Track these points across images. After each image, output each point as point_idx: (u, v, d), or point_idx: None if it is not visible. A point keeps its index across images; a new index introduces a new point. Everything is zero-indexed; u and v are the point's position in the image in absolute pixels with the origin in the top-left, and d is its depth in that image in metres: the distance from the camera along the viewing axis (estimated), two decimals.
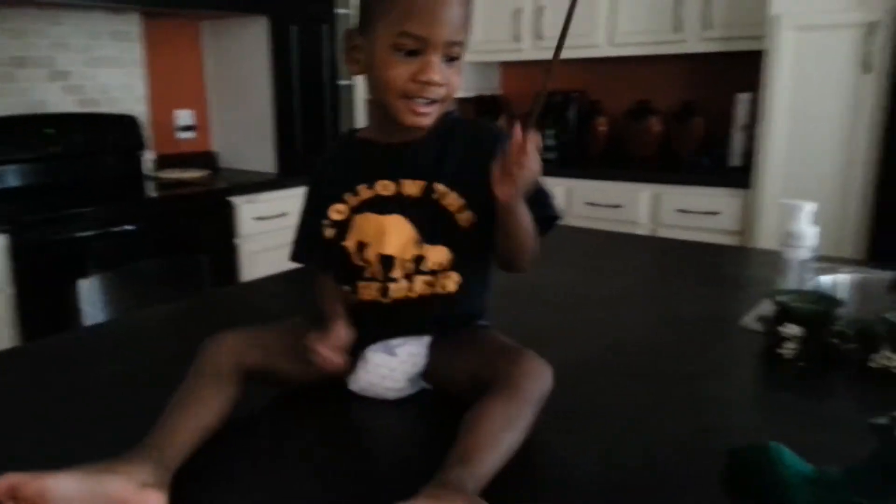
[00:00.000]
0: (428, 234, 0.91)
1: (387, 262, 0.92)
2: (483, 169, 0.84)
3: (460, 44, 0.85)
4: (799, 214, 1.22)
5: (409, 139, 0.91)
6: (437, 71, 0.83)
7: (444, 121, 0.91)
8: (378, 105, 0.90)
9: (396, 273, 0.92)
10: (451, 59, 0.85)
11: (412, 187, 0.91)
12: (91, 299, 1.90)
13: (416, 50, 0.83)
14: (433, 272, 0.92)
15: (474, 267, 0.94)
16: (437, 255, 0.91)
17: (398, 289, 0.92)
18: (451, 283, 0.92)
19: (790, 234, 1.22)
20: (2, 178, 2.57)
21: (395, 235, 0.91)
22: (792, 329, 1.03)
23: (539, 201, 0.91)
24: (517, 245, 0.88)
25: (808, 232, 1.20)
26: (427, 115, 0.87)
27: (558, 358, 0.84)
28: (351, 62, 0.90)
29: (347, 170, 0.95)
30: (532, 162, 0.79)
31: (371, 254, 0.92)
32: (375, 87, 0.88)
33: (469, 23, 0.86)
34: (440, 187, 0.90)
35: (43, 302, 2.17)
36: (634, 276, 1.55)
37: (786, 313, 1.05)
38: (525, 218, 0.86)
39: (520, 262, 0.91)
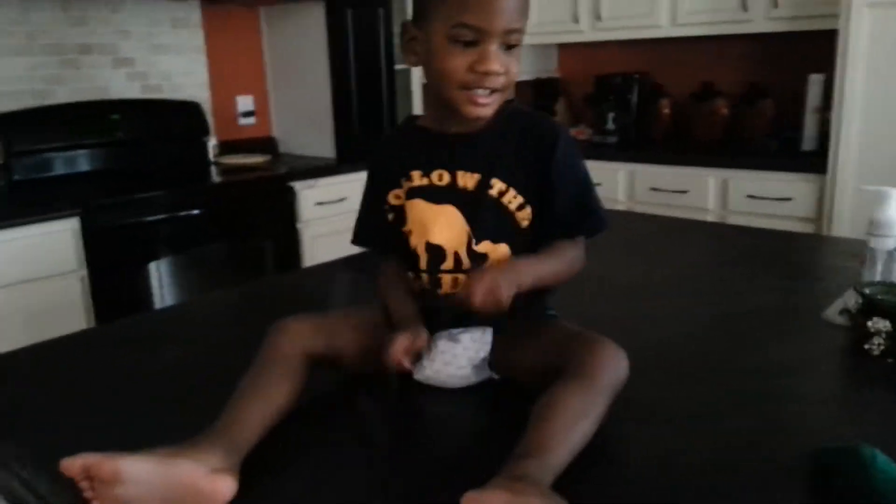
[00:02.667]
0: (484, 229, 0.89)
1: (436, 252, 0.91)
2: (539, 168, 0.87)
3: (519, 31, 0.84)
4: (886, 201, 1.15)
5: (467, 130, 0.90)
6: (496, 60, 0.82)
7: (503, 112, 0.90)
8: (437, 95, 0.88)
9: (447, 265, 0.91)
10: (509, 46, 0.84)
11: (468, 179, 0.90)
12: (161, 281, 1.94)
13: (474, 40, 0.82)
14: None
15: None
16: (500, 253, 0.90)
17: (451, 282, 0.91)
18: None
19: (875, 222, 1.15)
20: (70, 162, 2.65)
21: (445, 226, 0.90)
22: (879, 323, 0.97)
23: (584, 209, 0.91)
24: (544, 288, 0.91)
25: (894, 219, 1.13)
26: (487, 106, 0.86)
27: (626, 348, 0.81)
28: (409, 54, 0.89)
29: (404, 156, 0.94)
30: (483, 287, 0.80)
31: (418, 242, 0.92)
32: (434, 78, 0.87)
33: (527, 8, 0.85)
34: (497, 183, 0.89)
35: (115, 283, 2.23)
36: (702, 265, 1.50)
37: (872, 306, 1.00)
38: (545, 278, 0.88)
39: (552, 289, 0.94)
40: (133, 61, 2.87)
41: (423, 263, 0.92)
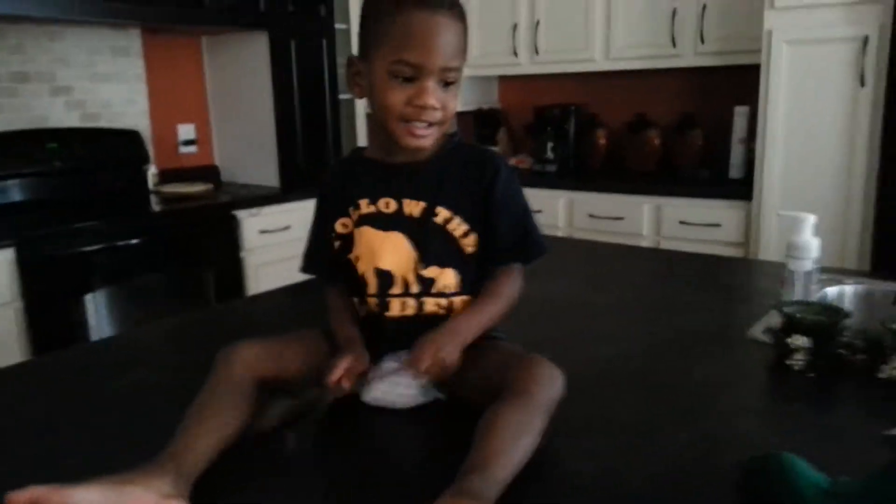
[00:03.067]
0: (432, 255, 0.94)
1: (385, 277, 0.95)
2: (482, 197, 0.92)
3: (456, 69, 0.88)
4: (801, 226, 1.23)
5: (412, 160, 0.94)
6: (433, 95, 0.87)
7: (447, 145, 0.95)
8: (381, 126, 0.92)
9: (396, 290, 0.94)
10: (447, 83, 0.88)
11: (413, 207, 0.94)
12: (98, 313, 1.90)
13: (412, 76, 0.86)
14: (443, 294, 0.94)
15: (479, 287, 0.96)
16: (446, 278, 0.94)
17: (401, 306, 0.94)
18: (462, 304, 0.95)
19: (793, 245, 1.23)
20: (6, 192, 2.57)
21: (392, 252, 0.94)
22: (800, 340, 1.04)
23: (525, 236, 0.96)
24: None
25: (811, 243, 1.22)
26: (425, 138, 0.90)
27: (564, 367, 0.84)
28: (353, 86, 0.94)
29: (352, 185, 0.98)
30: (433, 369, 0.86)
31: (367, 268, 0.95)
32: (376, 110, 0.91)
33: (464, 49, 0.90)
34: (442, 210, 0.93)
35: (50, 315, 2.17)
36: (638, 288, 1.56)
37: (793, 324, 1.06)
38: (490, 324, 0.93)
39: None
40: (72, 90, 2.82)
41: (372, 288, 0.95)
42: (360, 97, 0.93)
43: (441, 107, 0.88)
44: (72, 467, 0.81)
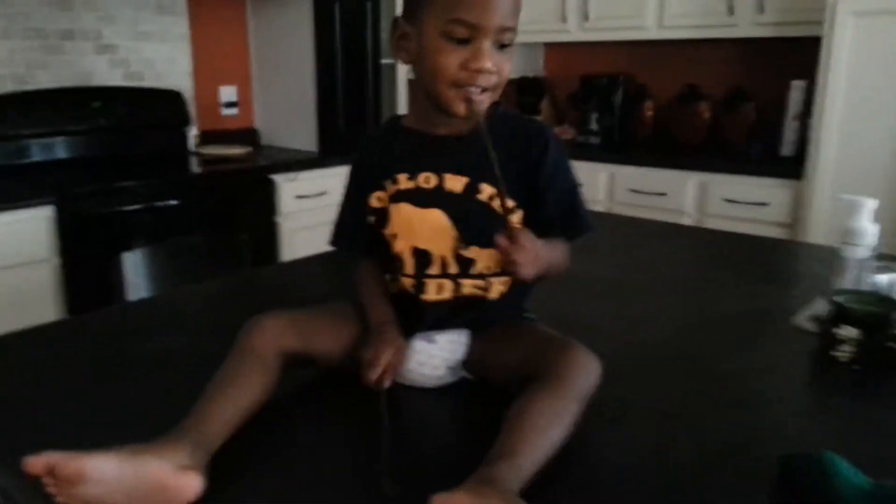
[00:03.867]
0: (473, 234, 0.89)
1: (423, 256, 0.91)
2: (529, 172, 0.87)
3: (512, 30, 0.83)
4: (859, 211, 1.17)
5: (454, 132, 0.89)
6: (489, 58, 0.82)
7: (491, 115, 0.89)
8: (425, 94, 0.87)
9: (433, 270, 0.90)
10: (502, 45, 0.83)
11: (455, 182, 0.89)
12: (135, 272, 1.92)
13: (468, 37, 0.81)
14: (482, 276, 0.90)
15: None
16: (489, 258, 0.89)
17: (437, 287, 0.91)
18: (502, 286, 0.91)
19: (849, 231, 1.17)
20: (49, 149, 2.61)
21: (431, 231, 0.90)
22: (848, 331, 0.99)
23: (572, 212, 0.91)
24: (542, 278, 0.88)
25: (868, 229, 1.15)
26: (480, 103, 0.84)
27: (600, 351, 0.81)
28: (399, 51, 0.88)
29: (389, 157, 0.93)
30: (529, 255, 0.78)
31: (404, 247, 0.91)
32: (425, 75, 0.86)
33: (519, 8, 0.84)
34: (486, 187, 0.88)
35: (88, 273, 2.21)
36: (679, 269, 1.51)
37: (842, 314, 1.01)
38: (552, 262, 0.85)
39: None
40: (116, 48, 2.83)
41: (408, 268, 0.91)
42: (406, 62, 0.88)
43: (496, 70, 0.83)
44: (95, 433, 0.81)
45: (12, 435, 0.82)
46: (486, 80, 0.83)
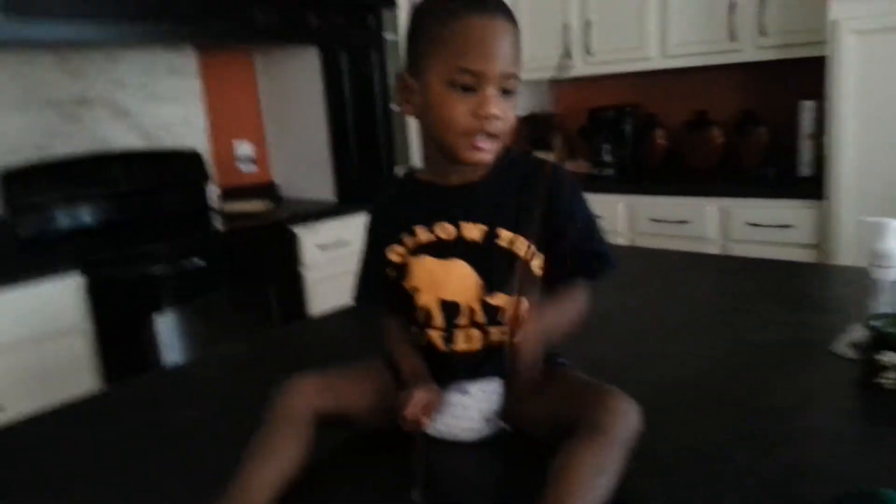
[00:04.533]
0: (497, 281, 0.89)
1: (450, 308, 0.91)
2: (546, 213, 0.87)
3: (515, 76, 0.85)
4: (885, 232, 1.16)
5: (467, 180, 0.90)
6: (496, 104, 0.83)
7: (502, 159, 0.90)
8: (435, 145, 0.89)
9: (462, 321, 0.90)
10: (506, 91, 0.85)
11: (473, 231, 0.89)
12: (167, 334, 1.94)
13: (472, 85, 0.83)
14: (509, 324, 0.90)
15: None
16: (512, 304, 0.88)
17: (466, 337, 0.91)
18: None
19: (878, 253, 1.16)
20: (73, 216, 2.65)
21: (457, 281, 0.90)
22: (891, 357, 0.97)
23: (592, 251, 0.91)
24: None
25: None
26: (487, 151, 0.86)
27: (634, 393, 0.80)
28: (405, 104, 0.90)
29: (406, 210, 0.94)
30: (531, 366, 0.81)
31: (430, 300, 0.91)
32: (433, 127, 0.87)
33: (520, 55, 0.86)
34: (504, 232, 0.89)
35: (121, 338, 2.23)
36: (708, 300, 1.50)
37: (882, 339, 1.00)
38: (565, 330, 0.87)
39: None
40: (131, 112, 2.89)
41: (437, 320, 0.91)
42: (412, 115, 0.89)
43: (503, 116, 0.84)
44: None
45: None
46: (494, 126, 0.84)
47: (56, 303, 2.16)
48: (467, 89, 0.83)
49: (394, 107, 3.30)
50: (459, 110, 0.83)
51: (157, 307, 2.34)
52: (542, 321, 0.83)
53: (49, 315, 2.14)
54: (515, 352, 0.80)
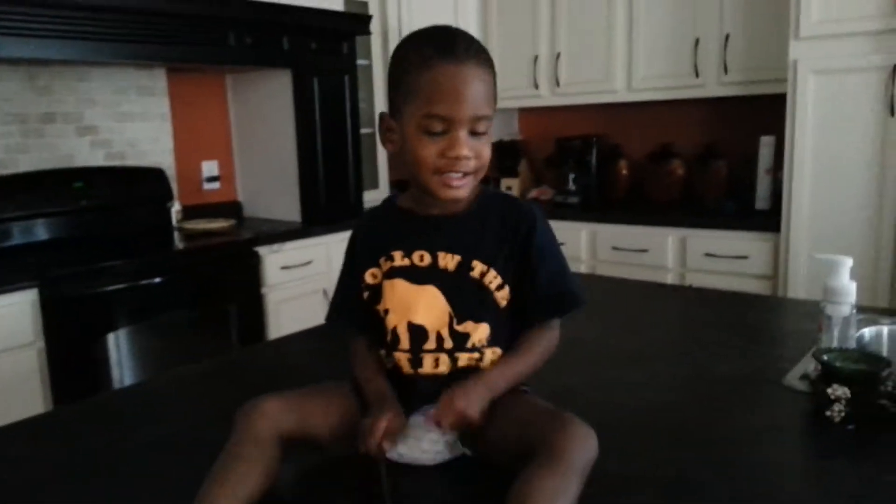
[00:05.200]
0: (466, 309, 0.92)
1: (418, 332, 0.92)
2: (519, 251, 0.91)
3: (486, 118, 0.88)
4: (838, 269, 1.19)
5: (447, 212, 0.93)
6: (465, 146, 0.86)
7: (481, 195, 0.94)
8: (414, 180, 0.92)
9: (429, 345, 0.92)
10: (476, 133, 0.87)
11: (449, 260, 0.92)
12: (120, 352, 1.90)
13: (443, 130, 0.86)
14: (476, 349, 0.92)
15: (511, 340, 0.95)
16: (481, 332, 0.92)
17: (433, 362, 0.92)
18: (492, 356, 0.93)
19: (830, 289, 1.19)
20: (32, 231, 2.60)
21: (427, 307, 0.92)
22: (839, 390, 1.00)
23: (563, 290, 0.94)
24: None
25: (848, 287, 1.17)
26: (460, 188, 0.89)
27: (594, 420, 0.81)
28: (386, 142, 0.93)
29: (385, 235, 0.96)
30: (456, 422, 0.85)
31: (399, 322, 0.93)
32: (409, 165, 0.90)
33: (494, 95, 0.89)
34: (478, 264, 0.92)
35: (73, 355, 2.18)
36: (667, 330, 1.53)
37: (831, 373, 1.03)
38: (520, 378, 0.92)
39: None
40: (97, 129, 2.86)
41: (404, 343, 0.93)
42: (394, 152, 0.93)
43: (475, 156, 0.87)
44: None
45: None
46: (464, 166, 0.87)
47: (8, 317, 2.10)
48: (438, 133, 0.86)
49: (364, 130, 3.31)
50: (431, 151, 0.87)
51: (112, 326, 2.30)
52: (488, 378, 0.88)
53: (1, 331, 2.08)
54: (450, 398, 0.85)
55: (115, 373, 1.89)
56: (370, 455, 0.84)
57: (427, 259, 0.93)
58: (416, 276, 0.93)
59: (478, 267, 0.91)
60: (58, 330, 2.18)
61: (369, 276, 0.96)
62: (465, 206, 0.93)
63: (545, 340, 0.94)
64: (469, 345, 0.92)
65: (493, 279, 0.92)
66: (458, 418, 0.84)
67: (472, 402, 0.84)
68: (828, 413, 1.00)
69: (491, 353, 0.93)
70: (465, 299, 0.91)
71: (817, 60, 2.58)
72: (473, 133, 0.87)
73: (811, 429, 1.02)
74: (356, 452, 0.86)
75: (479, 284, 0.91)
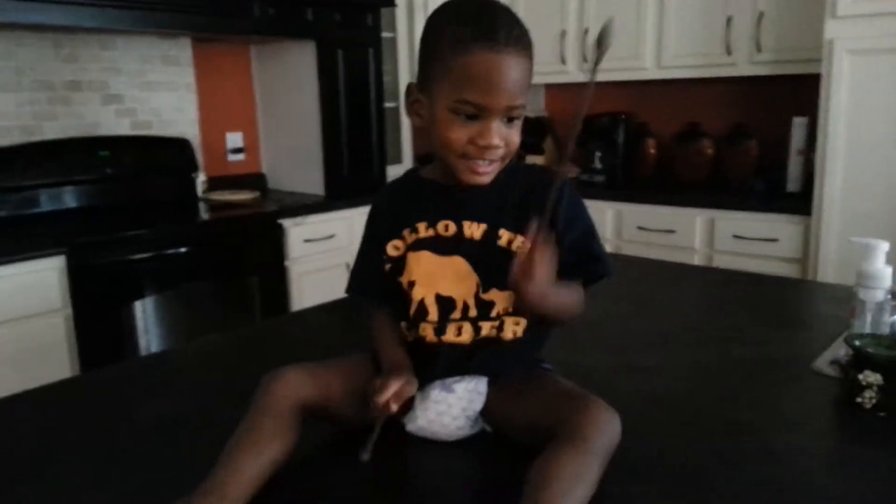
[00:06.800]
0: (493, 278, 0.90)
1: (446, 303, 0.91)
2: (548, 216, 0.85)
3: (520, 107, 0.85)
4: (873, 253, 1.16)
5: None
6: (496, 135, 0.84)
7: (506, 166, 0.91)
8: (440, 156, 0.90)
9: (456, 315, 0.91)
10: (510, 119, 0.85)
11: (474, 230, 0.90)
12: (146, 320, 1.92)
13: (475, 115, 0.83)
14: (499, 317, 0.90)
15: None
16: (504, 300, 0.90)
17: (457, 331, 0.91)
18: (518, 328, 0.91)
19: (864, 274, 1.16)
20: (58, 199, 2.63)
21: (454, 278, 0.90)
22: (871, 377, 0.97)
23: (590, 255, 0.92)
24: (551, 321, 0.90)
25: (884, 272, 1.14)
26: (486, 174, 0.87)
27: (617, 403, 0.81)
28: (412, 115, 0.91)
29: (408, 206, 0.94)
30: (543, 273, 0.79)
31: (426, 293, 0.91)
32: (436, 143, 0.88)
33: (528, 84, 0.85)
34: (504, 233, 0.90)
35: (100, 322, 2.21)
36: (691, 312, 1.50)
37: (863, 359, 1.00)
38: (559, 301, 0.86)
39: (556, 325, 0.93)
40: (123, 98, 2.87)
41: (433, 315, 0.92)
42: (419, 126, 0.90)
43: (505, 144, 0.85)
44: (110, 496, 0.80)
45: (21, 496, 0.81)
46: (493, 154, 0.85)
47: (36, 284, 2.13)
48: (470, 117, 0.83)
49: (388, 104, 3.29)
50: (460, 136, 0.84)
51: (139, 294, 2.32)
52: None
53: (28, 296, 2.11)
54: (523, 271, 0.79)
55: (143, 341, 1.91)
56: (376, 414, 0.84)
57: (452, 228, 0.91)
58: (441, 246, 0.91)
59: (505, 235, 0.90)
60: (85, 297, 2.21)
61: (391, 249, 0.94)
62: (493, 178, 0.90)
63: (579, 289, 0.91)
64: (493, 313, 0.91)
65: (520, 245, 0.89)
66: (536, 284, 0.79)
67: (547, 274, 0.79)
68: (858, 399, 0.98)
69: (512, 323, 0.91)
70: (492, 268, 0.89)
71: (854, 40, 2.51)
72: (507, 119, 0.84)
73: (840, 415, 1.00)
74: (371, 418, 0.85)
75: (507, 253, 0.89)
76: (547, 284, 0.80)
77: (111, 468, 0.88)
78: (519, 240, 0.89)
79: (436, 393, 0.90)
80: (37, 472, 0.88)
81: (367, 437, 0.84)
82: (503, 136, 0.84)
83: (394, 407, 0.84)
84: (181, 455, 0.91)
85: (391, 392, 0.84)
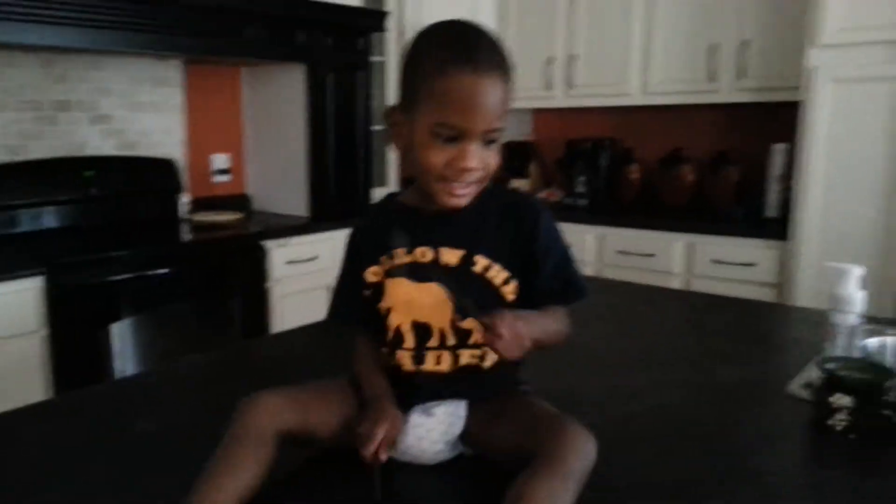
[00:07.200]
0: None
1: (422, 330, 0.92)
2: (523, 244, 0.90)
3: (499, 130, 0.86)
4: (847, 278, 1.18)
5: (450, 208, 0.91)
6: (474, 157, 0.84)
7: (484, 190, 0.92)
8: (419, 179, 0.91)
9: (433, 342, 0.91)
10: (489, 141, 0.86)
11: (451, 255, 0.91)
12: (123, 342, 1.90)
13: (454, 137, 0.84)
14: (479, 345, 0.91)
15: None
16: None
17: (436, 359, 0.91)
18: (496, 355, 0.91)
19: (837, 298, 1.18)
20: (40, 218, 2.60)
21: (431, 304, 0.91)
22: (842, 399, 0.99)
23: (566, 280, 0.94)
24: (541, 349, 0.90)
25: (856, 297, 1.17)
26: (463, 197, 0.88)
27: (596, 425, 0.81)
28: (393, 136, 0.91)
29: (386, 233, 0.94)
30: (510, 340, 0.80)
31: (403, 320, 0.92)
32: (415, 166, 0.88)
33: (507, 108, 0.86)
34: (480, 259, 0.90)
35: (77, 344, 2.18)
36: (671, 335, 1.52)
37: (835, 382, 1.01)
38: (544, 336, 0.87)
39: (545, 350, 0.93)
40: (111, 118, 2.87)
41: (409, 342, 0.92)
42: (399, 149, 0.91)
43: (483, 167, 0.86)
44: None
45: None
46: (471, 177, 0.86)
47: (14, 304, 2.10)
48: (449, 140, 0.84)
49: (375, 127, 3.31)
50: (439, 158, 0.84)
51: (118, 315, 2.30)
52: (527, 315, 0.85)
53: (5, 317, 2.08)
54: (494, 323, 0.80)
55: (118, 363, 1.89)
56: (367, 461, 0.84)
57: (429, 255, 0.91)
58: (418, 272, 0.91)
59: (480, 262, 0.90)
60: (63, 318, 2.18)
61: (370, 275, 0.95)
62: (470, 201, 0.91)
63: (563, 315, 0.93)
64: (471, 341, 0.91)
65: (497, 274, 0.90)
66: (515, 337, 0.80)
67: (524, 326, 0.81)
68: (830, 422, 0.99)
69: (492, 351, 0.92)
70: (468, 295, 0.89)
71: (836, 69, 2.56)
72: (485, 142, 0.85)
73: (813, 438, 1.01)
74: (354, 450, 0.85)
75: (482, 280, 0.90)
76: (518, 337, 0.81)
77: (92, 487, 0.88)
78: (495, 268, 0.90)
79: (415, 417, 0.90)
80: (18, 491, 0.87)
81: (372, 483, 0.83)
82: (481, 159, 0.85)
83: (383, 456, 0.84)
84: (165, 476, 0.90)
85: (379, 439, 0.84)
